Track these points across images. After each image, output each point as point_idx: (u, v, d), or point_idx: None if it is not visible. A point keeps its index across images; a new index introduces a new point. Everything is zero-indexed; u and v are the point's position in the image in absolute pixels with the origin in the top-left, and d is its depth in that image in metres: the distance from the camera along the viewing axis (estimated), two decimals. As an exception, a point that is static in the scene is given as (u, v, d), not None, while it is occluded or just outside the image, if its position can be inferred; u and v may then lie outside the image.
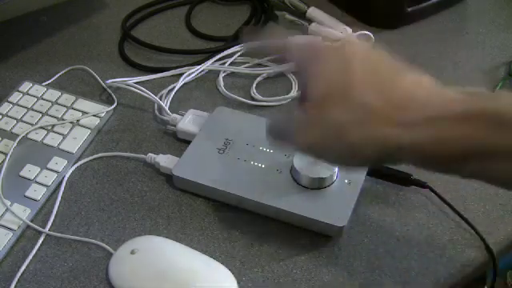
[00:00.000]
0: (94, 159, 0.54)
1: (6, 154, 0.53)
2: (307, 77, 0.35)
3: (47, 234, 0.47)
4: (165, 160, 0.51)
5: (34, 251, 0.46)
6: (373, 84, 0.33)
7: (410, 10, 0.69)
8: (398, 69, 0.34)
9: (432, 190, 0.49)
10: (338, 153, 0.34)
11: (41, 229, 0.47)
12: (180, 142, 0.55)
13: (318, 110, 0.33)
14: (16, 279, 0.44)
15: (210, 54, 0.65)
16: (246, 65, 0.64)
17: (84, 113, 0.57)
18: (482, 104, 0.30)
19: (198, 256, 0.45)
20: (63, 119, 0.57)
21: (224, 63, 0.63)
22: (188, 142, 0.53)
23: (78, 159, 0.54)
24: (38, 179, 0.51)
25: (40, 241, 0.47)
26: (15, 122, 0.56)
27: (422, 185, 0.49)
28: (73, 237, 0.47)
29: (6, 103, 0.58)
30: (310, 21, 0.69)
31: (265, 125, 0.54)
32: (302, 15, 0.70)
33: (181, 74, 0.62)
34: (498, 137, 0.29)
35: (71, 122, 0.56)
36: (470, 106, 0.30)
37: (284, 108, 0.36)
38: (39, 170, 0.52)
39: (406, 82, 0.33)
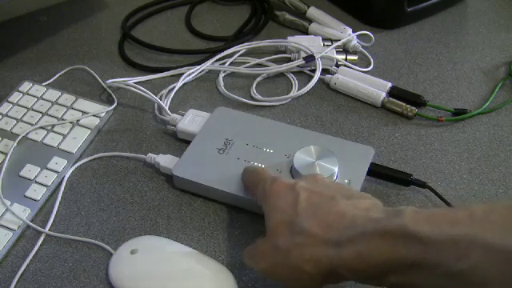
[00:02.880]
0: (94, 159, 0.54)
1: (5, 154, 0.53)
2: (264, 211, 0.41)
3: (47, 234, 0.47)
4: (165, 160, 0.51)
5: (34, 251, 0.46)
6: (313, 211, 0.38)
7: (409, 9, 0.69)
8: (339, 195, 0.39)
9: (432, 190, 0.49)
10: (288, 276, 0.38)
11: (41, 229, 0.47)
12: (180, 142, 0.55)
13: (271, 238, 0.39)
14: (16, 279, 0.44)
15: (210, 54, 0.65)
16: (246, 65, 0.64)
17: (84, 113, 0.57)
18: (391, 222, 0.34)
19: (198, 256, 0.45)
20: (63, 119, 0.57)
21: (224, 63, 0.63)
22: (188, 142, 0.53)
23: (78, 159, 0.54)
24: (38, 179, 0.51)
25: (40, 241, 0.47)
26: (15, 121, 0.56)
27: (421, 185, 0.49)
28: (73, 237, 0.47)
29: (5, 103, 0.58)
30: (310, 21, 0.69)
31: (264, 125, 0.53)
32: (302, 15, 0.70)
33: (181, 74, 0.62)
34: (408, 251, 0.32)
35: (71, 122, 0.56)
36: (381, 225, 0.34)
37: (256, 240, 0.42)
38: (39, 170, 0.52)
39: (340, 206, 0.37)
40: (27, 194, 0.50)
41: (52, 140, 0.55)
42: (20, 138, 0.54)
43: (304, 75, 0.63)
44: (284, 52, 0.65)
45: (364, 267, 0.34)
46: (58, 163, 0.52)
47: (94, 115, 0.57)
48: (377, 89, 0.59)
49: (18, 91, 0.59)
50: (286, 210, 0.39)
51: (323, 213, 0.37)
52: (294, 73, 0.63)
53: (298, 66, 0.62)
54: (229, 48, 0.64)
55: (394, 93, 0.60)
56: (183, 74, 0.62)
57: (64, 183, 0.51)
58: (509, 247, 0.29)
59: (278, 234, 0.38)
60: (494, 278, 0.29)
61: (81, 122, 0.56)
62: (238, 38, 0.68)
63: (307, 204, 0.38)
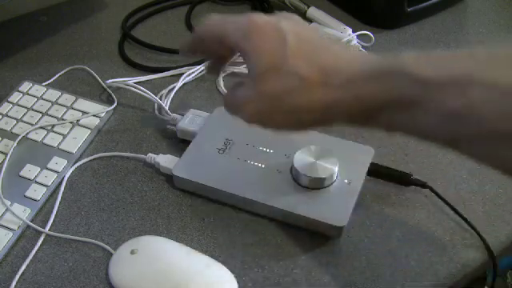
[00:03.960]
0: (94, 159, 0.54)
1: (5, 154, 0.53)
2: (245, 53, 0.38)
3: (47, 234, 0.47)
4: (165, 160, 0.51)
5: (34, 251, 0.46)
6: (304, 54, 0.36)
7: (409, 9, 0.69)
8: (328, 40, 0.37)
9: (432, 190, 0.49)
10: (279, 121, 0.37)
11: (41, 229, 0.47)
12: (180, 142, 0.55)
13: (258, 84, 0.37)
14: (16, 279, 0.44)
15: (210, 54, 0.65)
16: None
17: (84, 113, 0.57)
18: (390, 63, 0.33)
19: (198, 256, 0.45)
20: (63, 119, 0.57)
21: (224, 63, 0.63)
22: (188, 142, 0.53)
23: (78, 159, 0.54)
24: (38, 179, 0.51)
25: (40, 241, 0.47)
26: (15, 121, 0.56)
27: (422, 185, 0.49)
28: (73, 237, 0.47)
29: (5, 103, 0.58)
30: (310, 21, 0.69)
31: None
32: (302, 15, 0.70)
33: (181, 74, 0.62)
34: (407, 90, 0.32)
35: (71, 122, 0.56)
36: (380, 65, 0.34)
37: (233, 84, 0.39)
38: (39, 170, 0.52)
39: (333, 50, 0.36)
40: (27, 194, 0.50)
41: (52, 140, 0.55)
42: (20, 137, 0.54)
43: (304, 75, 0.63)
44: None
45: (360, 108, 0.34)
46: (58, 163, 0.52)
47: (94, 115, 0.57)
48: (377, 89, 0.59)
49: (18, 91, 0.59)
50: (273, 52, 0.36)
51: (316, 55, 0.36)
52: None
53: (298, 66, 0.62)
54: (229, 48, 0.64)
55: (394, 93, 0.59)
56: (183, 74, 0.62)
57: (64, 183, 0.51)
58: (507, 84, 0.29)
59: (266, 79, 0.36)
60: (490, 115, 0.29)
61: (81, 122, 0.56)
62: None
63: (297, 46, 0.36)
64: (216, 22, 0.41)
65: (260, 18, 0.38)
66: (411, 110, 0.32)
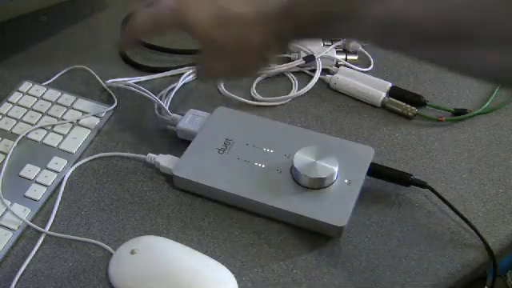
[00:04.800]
0: (94, 159, 0.54)
1: (5, 154, 0.53)
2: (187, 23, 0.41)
3: (47, 234, 0.47)
4: (165, 160, 0.51)
5: (34, 251, 0.46)
6: None
7: (409, 9, 0.69)
8: None
9: (432, 190, 0.49)
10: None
11: (41, 229, 0.47)
12: (180, 142, 0.55)
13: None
14: (16, 279, 0.44)
15: (210, 53, 0.65)
16: (246, 65, 0.64)
17: (84, 113, 0.57)
18: None
19: (198, 256, 0.45)
20: (63, 119, 0.57)
21: (224, 63, 0.63)
22: (188, 142, 0.53)
23: (78, 159, 0.54)
24: (38, 179, 0.51)
25: (40, 241, 0.47)
26: (15, 121, 0.56)
27: (421, 185, 0.49)
28: (73, 237, 0.47)
29: (5, 103, 0.58)
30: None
31: (264, 125, 0.54)
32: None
33: (181, 74, 0.62)
34: (333, 8, 0.36)
35: (71, 122, 0.56)
36: None
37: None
38: (39, 170, 0.52)
39: None
40: (27, 194, 0.50)
41: (52, 140, 0.55)
42: (20, 137, 0.54)
43: (304, 75, 0.63)
44: (284, 52, 0.65)
45: (304, 22, 0.38)
46: (58, 163, 0.52)
47: (94, 115, 0.57)
48: (377, 89, 0.59)
49: (18, 91, 0.59)
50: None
51: None
52: (294, 73, 0.63)
53: (298, 66, 0.62)
54: (229, 48, 0.64)
55: (393, 93, 0.60)
56: (183, 74, 0.62)
57: (64, 183, 0.51)
58: None
59: None
60: (414, 19, 0.32)
61: (81, 122, 0.56)
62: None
63: None
64: (148, 14, 0.45)
65: None
66: (346, 24, 0.36)
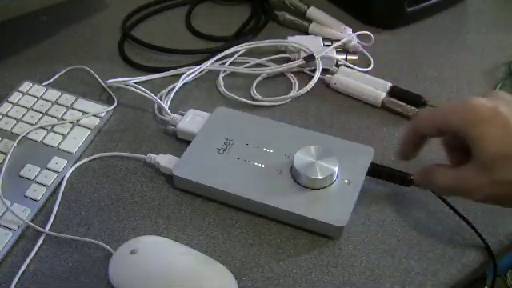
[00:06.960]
0: (94, 159, 0.54)
1: (5, 154, 0.53)
2: (471, 139, 0.39)
3: (47, 234, 0.47)
4: (165, 160, 0.51)
5: (34, 251, 0.46)
6: None
7: (409, 9, 0.69)
8: None
9: (432, 190, 0.49)
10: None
11: (41, 229, 0.47)
12: (180, 142, 0.55)
13: (489, 171, 0.39)
14: (16, 279, 0.44)
15: (210, 54, 0.65)
16: (246, 65, 0.64)
17: (84, 113, 0.57)
18: None
19: (198, 256, 0.45)
20: (63, 119, 0.57)
21: (224, 63, 0.63)
22: (188, 142, 0.53)
23: (78, 159, 0.54)
24: (38, 179, 0.51)
25: (40, 241, 0.47)
26: (15, 121, 0.56)
27: (422, 185, 0.49)
28: (73, 237, 0.47)
29: (5, 103, 0.58)
30: (309, 21, 0.69)
31: (264, 125, 0.54)
32: (302, 15, 0.70)
33: (181, 74, 0.62)
34: None
35: (71, 122, 0.56)
36: None
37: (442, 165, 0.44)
38: (39, 170, 0.52)
39: None
40: (27, 193, 0.50)
41: (52, 140, 0.55)
42: (20, 138, 0.54)
43: (304, 75, 0.63)
44: (284, 52, 0.65)
45: None
46: (58, 163, 0.52)
47: (94, 115, 0.57)
48: (377, 89, 0.59)
49: (18, 91, 0.59)
50: (499, 140, 0.38)
51: None
52: (293, 73, 0.63)
53: (298, 66, 0.62)
54: (229, 48, 0.64)
55: (394, 93, 0.60)
56: (183, 74, 0.62)
57: (64, 183, 0.51)
58: None
59: (496, 166, 0.38)
60: None
61: (81, 122, 0.56)
62: (238, 38, 0.68)
63: None
64: (430, 114, 0.43)
65: (478, 102, 0.39)
66: None
